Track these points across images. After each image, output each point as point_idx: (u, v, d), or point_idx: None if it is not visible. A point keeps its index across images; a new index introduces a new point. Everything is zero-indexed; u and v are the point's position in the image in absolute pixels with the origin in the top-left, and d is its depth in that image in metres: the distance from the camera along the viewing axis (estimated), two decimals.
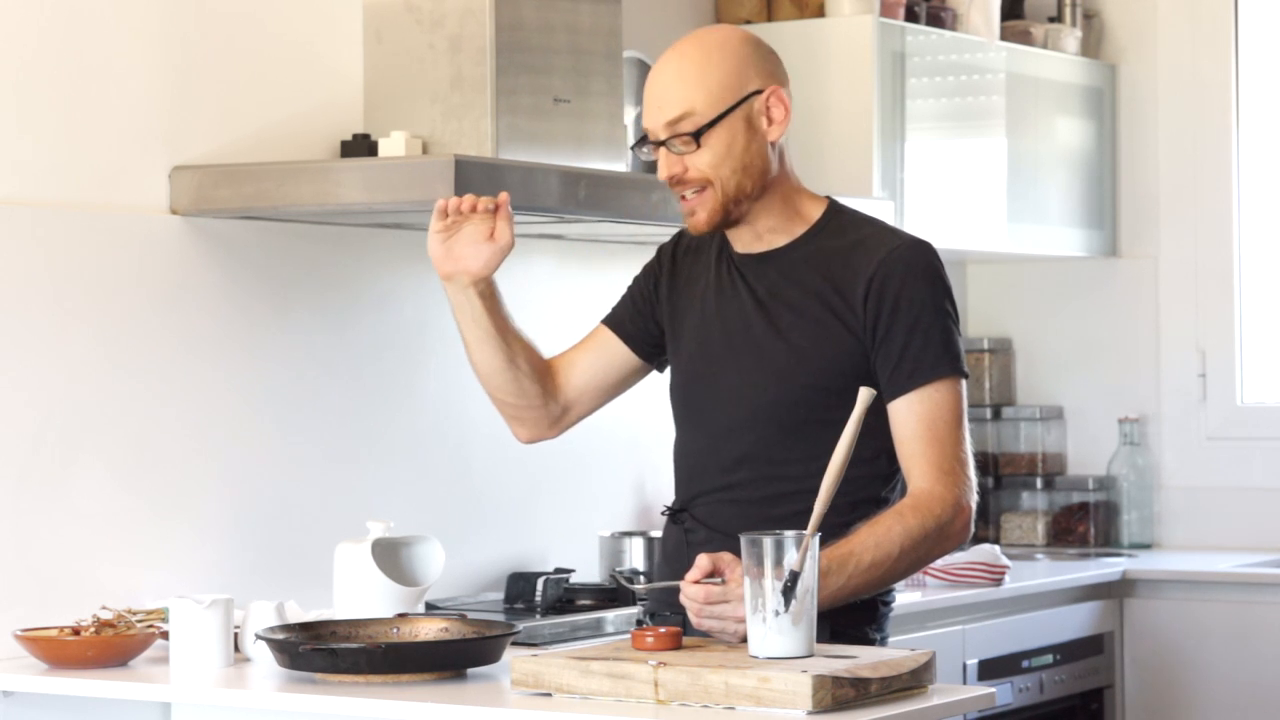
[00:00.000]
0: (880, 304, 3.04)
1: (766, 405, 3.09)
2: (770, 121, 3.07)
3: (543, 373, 3.28)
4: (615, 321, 3.33)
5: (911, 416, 3.03)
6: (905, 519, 2.99)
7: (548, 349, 4.57)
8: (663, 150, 3.05)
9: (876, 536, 2.98)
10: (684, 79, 3.04)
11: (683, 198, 3.08)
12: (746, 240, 3.15)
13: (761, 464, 3.09)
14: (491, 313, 3.19)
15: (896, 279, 3.04)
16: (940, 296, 3.07)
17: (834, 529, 2.91)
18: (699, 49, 3.07)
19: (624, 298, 3.34)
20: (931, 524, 3.00)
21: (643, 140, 3.10)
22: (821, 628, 2.87)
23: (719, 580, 2.88)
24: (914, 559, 3.01)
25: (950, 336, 3.07)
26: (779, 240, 3.13)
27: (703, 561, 2.89)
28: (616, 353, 3.31)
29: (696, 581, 2.89)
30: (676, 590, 2.94)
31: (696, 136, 3.03)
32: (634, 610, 3.85)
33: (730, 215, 3.08)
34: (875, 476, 3.09)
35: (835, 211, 3.15)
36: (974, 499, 3.06)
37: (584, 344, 3.35)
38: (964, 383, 3.07)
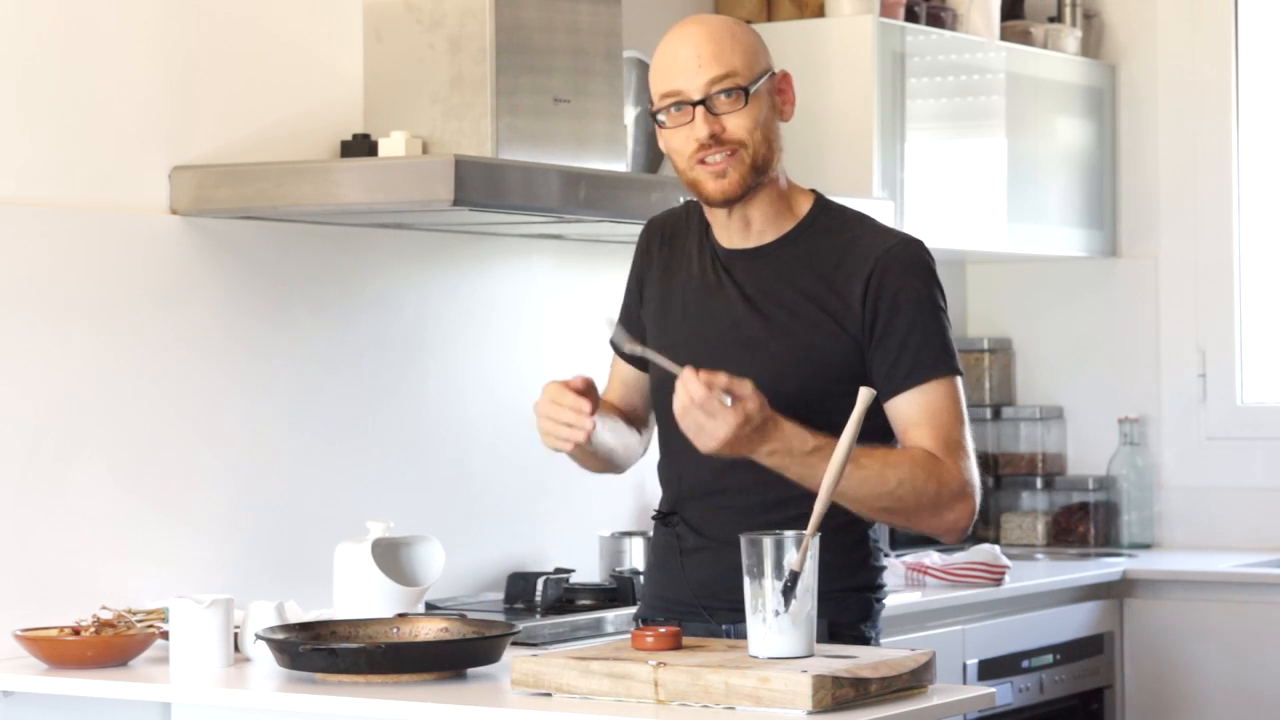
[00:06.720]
0: (878, 304, 3.03)
1: None
2: (785, 101, 3.09)
3: (637, 424, 3.27)
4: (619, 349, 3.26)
5: (914, 408, 3.02)
6: (916, 469, 2.95)
7: (546, 349, 4.58)
8: (701, 110, 3.01)
9: (889, 461, 2.95)
10: (720, 43, 3.03)
11: (704, 162, 3.02)
12: (735, 232, 3.12)
13: (754, 468, 3.02)
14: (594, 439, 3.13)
15: (894, 278, 3.03)
16: (936, 294, 3.07)
17: (833, 530, 2.88)
18: (720, 22, 3.07)
19: (620, 315, 3.29)
20: (934, 485, 2.96)
21: (658, 108, 3.05)
22: (819, 625, 2.87)
23: (726, 399, 2.82)
24: (906, 505, 2.96)
25: (946, 335, 3.06)
26: (769, 234, 3.11)
27: (720, 378, 2.83)
28: (636, 381, 3.27)
29: (705, 384, 2.83)
30: (673, 431, 2.92)
31: (746, 91, 3.02)
32: (633, 610, 3.86)
33: (750, 183, 3.04)
34: None
35: (823, 206, 3.14)
36: (979, 494, 3.03)
37: (614, 377, 3.31)
38: (960, 380, 3.07)
